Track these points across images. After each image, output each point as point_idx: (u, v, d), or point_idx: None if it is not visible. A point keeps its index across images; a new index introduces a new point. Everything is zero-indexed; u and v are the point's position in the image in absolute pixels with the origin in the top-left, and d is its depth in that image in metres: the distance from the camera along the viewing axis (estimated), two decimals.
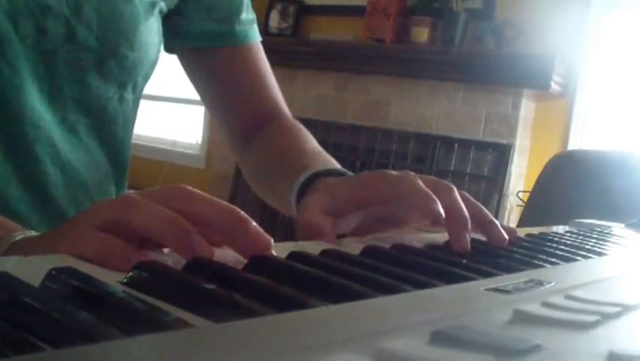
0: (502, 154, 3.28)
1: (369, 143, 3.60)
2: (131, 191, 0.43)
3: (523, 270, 0.43)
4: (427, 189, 0.54)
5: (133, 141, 0.85)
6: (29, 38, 0.66)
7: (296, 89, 3.84)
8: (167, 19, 0.81)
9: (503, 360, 0.21)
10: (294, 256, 0.40)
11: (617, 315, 0.29)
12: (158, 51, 0.78)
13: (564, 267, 0.48)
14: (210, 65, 0.86)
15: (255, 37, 0.90)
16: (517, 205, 3.25)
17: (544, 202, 1.59)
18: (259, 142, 0.88)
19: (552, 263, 0.48)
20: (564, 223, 0.84)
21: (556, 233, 0.72)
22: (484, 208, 0.58)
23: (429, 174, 3.33)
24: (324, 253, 0.43)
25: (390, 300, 0.30)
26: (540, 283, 0.36)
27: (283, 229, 3.17)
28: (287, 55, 3.75)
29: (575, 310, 0.28)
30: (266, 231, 0.40)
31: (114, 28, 0.70)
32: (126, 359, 0.19)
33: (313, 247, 0.44)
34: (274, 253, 0.40)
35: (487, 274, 0.40)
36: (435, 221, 0.53)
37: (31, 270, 0.30)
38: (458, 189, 0.56)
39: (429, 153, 3.44)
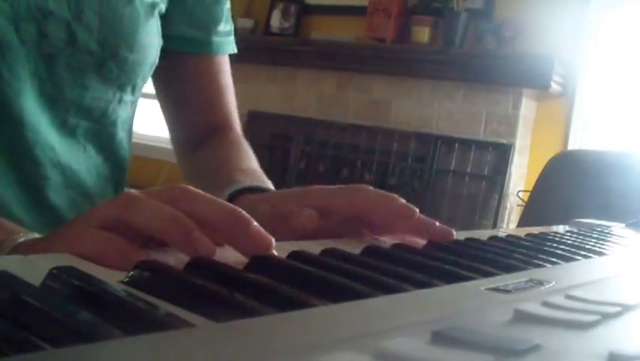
0: (502, 154, 3.28)
1: (370, 142, 3.60)
2: (132, 190, 0.43)
3: (523, 269, 0.43)
4: (383, 192, 0.55)
5: (133, 140, 0.85)
6: (30, 42, 0.66)
7: (297, 89, 3.84)
8: None
9: (503, 360, 0.21)
10: (294, 255, 0.40)
11: (617, 315, 0.29)
12: (158, 52, 0.78)
13: (564, 267, 0.48)
14: (178, 69, 0.86)
15: (228, 50, 0.90)
16: (518, 205, 3.25)
17: (544, 202, 1.59)
18: (200, 153, 0.88)
19: (552, 263, 0.48)
20: (564, 223, 0.84)
21: (557, 233, 0.72)
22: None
23: (429, 173, 3.31)
24: (324, 252, 0.43)
25: (390, 299, 0.30)
26: (540, 283, 0.36)
27: None
28: (288, 54, 3.76)
29: (575, 310, 0.28)
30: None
31: (114, 31, 0.70)
32: (127, 359, 0.19)
33: (313, 247, 0.44)
34: (275, 252, 0.40)
35: (487, 274, 0.40)
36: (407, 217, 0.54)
37: (33, 269, 0.30)
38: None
39: (429, 152, 3.44)
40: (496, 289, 0.33)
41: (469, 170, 3.36)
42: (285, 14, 4.03)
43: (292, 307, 0.27)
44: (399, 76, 3.51)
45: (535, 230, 0.71)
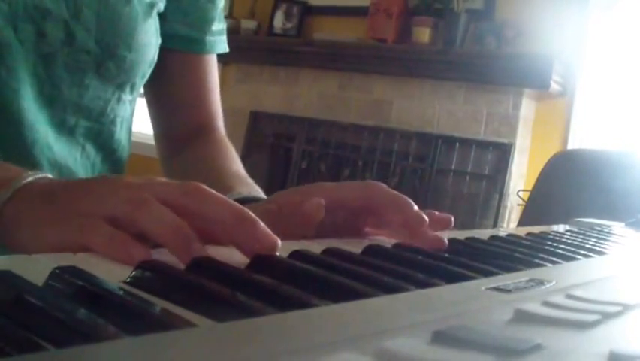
0: (502, 153, 3.28)
1: (371, 142, 3.60)
2: (155, 178, 0.44)
3: (523, 269, 0.43)
4: (395, 193, 0.54)
5: (133, 138, 0.85)
6: (29, 42, 0.66)
7: (299, 89, 3.84)
8: None
9: (504, 360, 0.21)
10: (295, 255, 0.40)
11: (618, 314, 0.29)
12: (156, 51, 0.78)
13: (564, 266, 0.48)
14: (168, 66, 0.85)
15: (220, 49, 0.90)
16: (518, 204, 3.25)
17: (544, 201, 1.59)
18: (187, 153, 0.88)
19: (552, 262, 0.48)
20: (564, 222, 0.84)
21: (557, 232, 0.72)
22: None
23: (430, 173, 3.31)
24: (325, 252, 0.43)
25: (391, 299, 0.30)
26: (541, 283, 0.36)
27: None
28: (291, 55, 3.76)
29: (575, 310, 0.28)
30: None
31: (113, 30, 0.70)
32: (129, 359, 0.19)
33: (315, 247, 0.44)
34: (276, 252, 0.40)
35: (487, 274, 0.40)
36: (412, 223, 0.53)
37: (35, 269, 0.30)
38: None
39: (430, 152, 3.44)
40: (497, 289, 0.33)
41: (469, 169, 3.36)
42: (287, 15, 4.03)
43: (294, 307, 0.27)
44: (400, 76, 3.51)
45: (536, 229, 0.71)
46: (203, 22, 0.86)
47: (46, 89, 0.69)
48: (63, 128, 0.72)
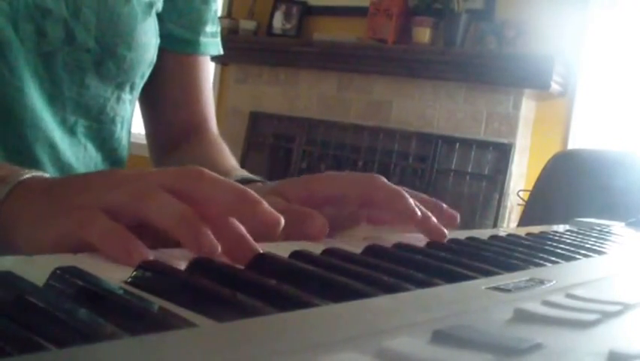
0: (502, 153, 3.28)
1: (372, 142, 3.61)
2: (149, 170, 0.43)
3: (523, 269, 0.43)
4: (395, 187, 0.55)
5: (133, 139, 0.85)
6: (29, 41, 0.66)
7: (299, 89, 3.84)
8: None
9: (504, 359, 0.21)
10: (296, 255, 0.40)
11: (618, 314, 0.29)
12: (156, 51, 0.79)
13: (564, 266, 0.48)
14: (162, 67, 0.85)
15: (214, 51, 0.90)
16: (518, 204, 3.25)
17: (544, 201, 1.59)
18: (180, 152, 0.88)
19: (552, 262, 0.48)
20: (564, 222, 0.84)
21: (557, 232, 0.72)
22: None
23: (430, 173, 3.31)
24: (326, 252, 0.43)
25: (391, 299, 0.30)
26: (541, 282, 0.36)
27: None
28: (290, 55, 3.76)
29: (575, 309, 0.28)
30: None
31: (112, 29, 0.71)
32: (130, 359, 0.19)
33: (315, 246, 0.44)
34: (276, 252, 0.40)
35: (487, 273, 0.40)
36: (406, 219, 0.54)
37: (36, 269, 0.30)
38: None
39: (430, 152, 3.44)
40: (497, 288, 0.33)
41: (469, 169, 3.36)
42: (287, 15, 4.04)
43: (294, 307, 0.27)
44: (400, 76, 3.51)
45: (536, 229, 0.71)
46: (198, 24, 0.86)
47: (47, 87, 0.69)
48: (64, 126, 0.73)
